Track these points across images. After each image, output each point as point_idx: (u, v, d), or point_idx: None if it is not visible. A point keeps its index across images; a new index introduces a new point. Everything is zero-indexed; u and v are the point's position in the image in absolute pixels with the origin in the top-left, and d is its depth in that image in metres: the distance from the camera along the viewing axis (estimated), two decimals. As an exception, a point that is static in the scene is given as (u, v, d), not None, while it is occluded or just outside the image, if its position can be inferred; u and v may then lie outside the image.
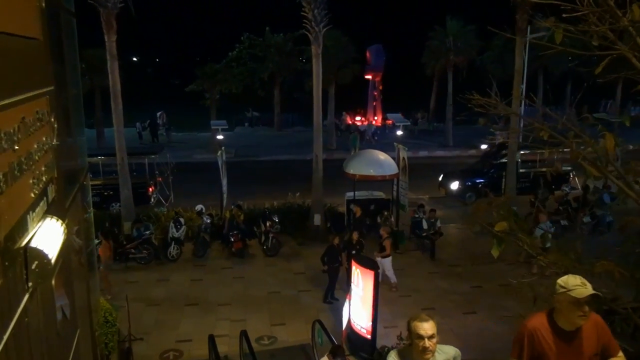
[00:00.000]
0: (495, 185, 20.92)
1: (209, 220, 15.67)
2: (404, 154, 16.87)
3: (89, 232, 8.00)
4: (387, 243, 13.02)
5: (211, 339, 9.02)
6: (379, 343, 10.02)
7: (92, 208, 8.80)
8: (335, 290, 12.69)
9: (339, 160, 19.64)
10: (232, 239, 15.14)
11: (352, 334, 10.39)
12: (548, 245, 6.45)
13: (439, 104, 41.15)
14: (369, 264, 9.94)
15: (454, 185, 21.32)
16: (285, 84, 42.28)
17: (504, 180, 20.61)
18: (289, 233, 16.86)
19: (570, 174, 21.79)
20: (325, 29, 15.89)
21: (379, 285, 9.69)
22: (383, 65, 37.89)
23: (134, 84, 55.16)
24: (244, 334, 8.97)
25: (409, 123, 21.53)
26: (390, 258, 13.06)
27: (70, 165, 6.14)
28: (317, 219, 16.72)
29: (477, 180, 21.60)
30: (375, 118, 38.90)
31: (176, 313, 12.03)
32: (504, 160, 21.61)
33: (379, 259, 12.43)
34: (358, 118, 39.83)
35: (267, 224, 15.56)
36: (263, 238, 15.68)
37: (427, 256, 15.43)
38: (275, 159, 31.11)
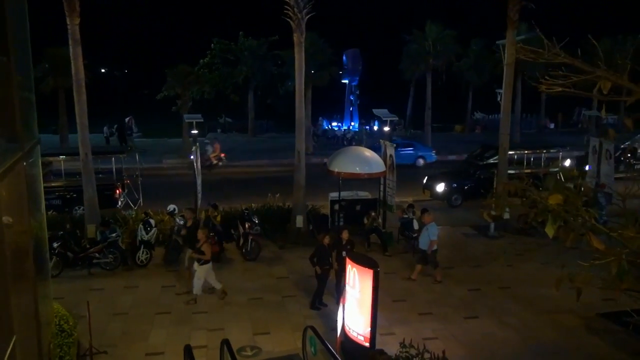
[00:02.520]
0: (481, 187, 20.18)
1: (182, 222, 14.32)
2: (390, 150, 15.91)
3: (40, 236, 6.78)
4: None
5: (188, 351, 7.76)
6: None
7: (44, 208, 7.54)
8: (324, 294, 11.54)
9: (316, 165, 18.69)
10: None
11: (346, 342, 9.23)
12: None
13: (416, 110, 40.66)
14: (367, 261, 8.83)
15: (440, 188, 20.45)
16: (259, 89, 41.15)
17: (490, 181, 19.93)
18: (269, 236, 15.67)
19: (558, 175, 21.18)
20: (308, 16, 14.87)
21: (378, 286, 8.57)
22: (360, 69, 37.22)
23: (103, 92, 53.46)
24: (225, 344, 7.73)
25: (396, 118, 20.55)
26: None
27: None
28: (300, 221, 15.57)
29: (463, 183, 20.78)
30: (352, 123, 38.10)
31: (146, 323, 10.68)
32: (490, 161, 20.96)
33: None
34: (335, 123, 39.01)
35: (246, 226, 14.33)
36: (241, 241, 14.44)
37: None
38: (251, 164, 29.96)
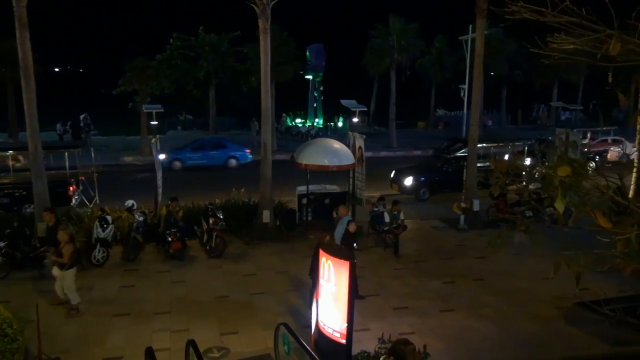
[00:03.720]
0: (449, 180, 20.02)
1: (141, 219, 13.52)
2: (360, 142, 15.46)
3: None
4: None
5: (149, 353, 7.04)
6: (355, 348, 8.37)
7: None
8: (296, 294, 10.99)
9: (280, 162, 18.12)
10: (170, 239, 13.06)
11: (321, 340, 8.68)
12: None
13: (379, 106, 40.50)
14: (342, 253, 8.31)
15: (408, 182, 20.15)
16: (221, 86, 40.17)
17: (457, 174, 19.76)
18: (235, 232, 14.96)
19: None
20: (273, 1, 14.25)
21: (356, 279, 8.06)
22: (324, 65, 36.76)
23: (56, 91, 51.36)
24: (191, 344, 7.06)
25: (365, 108, 20.14)
26: None
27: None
28: (267, 216, 14.93)
29: (431, 176, 20.54)
30: (316, 120, 37.61)
31: (102, 325, 9.87)
32: (457, 154, 20.80)
33: None
34: (299, 120, 38.43)
35: (210, 221, 13.61)
36: (205, 237, 13.71)
37: (389, 252, 13.99)
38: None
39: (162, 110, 15.06)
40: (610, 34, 3.96)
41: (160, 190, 15.06)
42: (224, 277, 12.33)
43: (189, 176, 23.94)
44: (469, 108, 33.75)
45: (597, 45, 4.28)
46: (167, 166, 20.84)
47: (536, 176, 4.86)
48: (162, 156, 18.50)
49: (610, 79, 4.35)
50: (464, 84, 32.71)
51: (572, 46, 4.01)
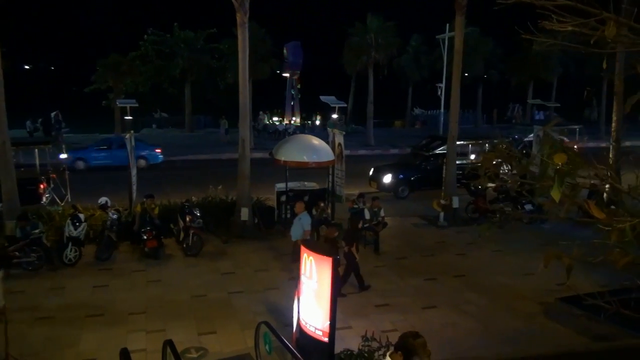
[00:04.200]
0: (428, 177, 20.00)
1: (115, 216, 13.11)
2: (339, 139, 15.29)
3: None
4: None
5: (124, 355, 6.73)
6: (337, 347, 8.17)
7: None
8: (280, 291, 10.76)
9: (256, 159, 17.81)
10: (145, 237, 12.70)
11: (302, 338, 8.46)
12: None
13: (357, 105, 40.42)
14: (325, 249, 8.11)
15: (387, 179, 20.05)
16: (197, 83, 39.59)
17: (436, 172, 19.77)
18: (212, 231, 14.66)
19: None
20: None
21: (338, 276, 7.86)
22: (301, 63, 36.52)
23: (27, 88, 50.03)
24: (168, 345, 6.77)
25: (345, 105, 19.99)
26: None
27: None
28: (245, 214, 14.65)
29: (410, 174, 20.49)
30: (294, 118, 37.36)
31: (74, 327, 9.49)
32: (436, 152, 20.79)
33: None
34: (276, 118, 38.12)
35: (187, 219, 13.26)
36: (182, 235, 13.37)
37: (370, 250, 13.85)
38: (189, 159, 28.61)
39: (136, 105, 14.64)
40: (606, 18, 3.84)
41: (134, 188, 14.66)
42: (201, 276, 12.02)
43: (92, 177, 22.51)
44: (446, 107, 33.93)
45: (588, 33, 4.15)
46: (69, 165, 19.79)
47: (533, 163, 4.69)
48: (63, 155, 18.00)
49: (604, 66, 4.25)
50: (442, 82, 32.84)
51: (569, 28, 3.86)
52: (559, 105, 33.28)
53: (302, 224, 11.84)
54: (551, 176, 4.17)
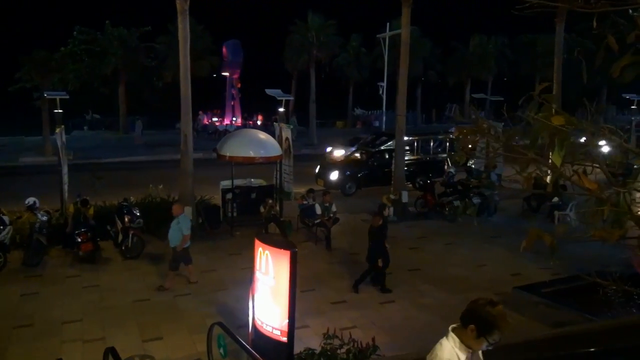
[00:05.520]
0: (375, 174, 19.83)
1: (45, 218, 12.00)
2: (287, 133, 14.78)
3: None
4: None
5: (58, 366, 5.95)
6: (296, 347, 7.63)
7: None
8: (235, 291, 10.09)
9: (196, 160, 16.96)
10: (79, 239, 11.68)
11: (259, 339, 7.85)
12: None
13: (298, 104, 40.00)
14: (281, 243, 7.57)
15: (333, 176, 19.71)
16: (131, 83, 37.91)
17: (383, 168, 19.65)
18: (153, 232, 13.72)
19: (446, 161, 21.49)
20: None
21: (296, 270, 7.32)
22: (241, 62, 35.72)
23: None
24: (111, 352, 6.02)
25: (292, 98, 19.48)
26: None
27: None
28: (188, 213, 13.76)
29: (357, 170, 20.23)
30: (234, 118, 36.46)
31: (0, 340, 8.47)
32: (382, 147, 20.67)
33: None
34: (216, 118, 37.08)
35: (126, 220, 12.34)
36: (120, 237, 12.42)
37: (321, 246, 13.40)
38: (124, 161, 27.20)
39: (67, 97, 13.57)
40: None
41: (66, 187, 13.54)
42: (143, 279, 11.17)
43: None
44: (388, 107, 34.10)
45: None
46: None
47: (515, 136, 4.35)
48: None
49: (594, 25, 3.97)
50: (383, 81, 32.89)
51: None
52: (502, 99, 34.16)
53: (180, 227, 10.67)
54: (541, 142, 3.85)
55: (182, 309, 9.82)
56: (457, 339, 3.51)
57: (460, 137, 4.83)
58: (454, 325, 3.62)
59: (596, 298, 10.57)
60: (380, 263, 10.75)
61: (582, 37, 37.23)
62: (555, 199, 16.04)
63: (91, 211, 12.38)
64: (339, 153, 22.40)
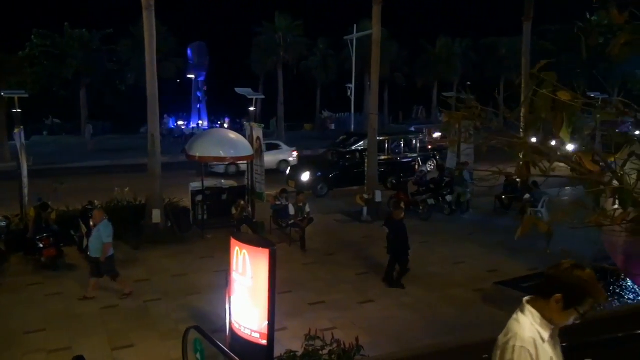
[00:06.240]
0: (347, 174, 19.66)
1: (3, 224, 11.38)
2: (258, 132, 14.43)
3: None
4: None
5: (21, 379, 5.48)
6: (276, 350, 7.31)
7: None
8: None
9: (162, 165, 16.44)
10: (42, 245, 11.07)
11: (236, 343, 7.50)
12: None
13: (265, 107, 39.62)
14: (259, 241, 7.25)
15: (305, 177, 19.43)
16: (93, 86, 36.88)
17: (354, 168, 19.52)
18: (120, 236, 13.11)
19: (417, 160, 21.50)
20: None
21: (276, 269, 7.00)
22: (207, 64, 35.14)
23: None
24: (79, 362, 5.58)
25: (263, 97, 19.16)
26: None
27: None
28: (157, 216, 13.35)
29: (328, 171, 20.01)
30: (200, 121, 35.82)
31: (-45, 355, 7.88)
32: (354, 148, 20.53)
33: None
34: (181, 122, 36.36)
35: (91, 223, 11.74)
36: (85, 242, 11.80)
37: (296, 247, 13.09)
38: (88, 166, 26.34)
39: (26, 95, 12.91)
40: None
41: (26, 191, 12.88)
42: (111, 285, 10.58)
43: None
44: (356, 108, 34.03)
45: None
46: None
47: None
48: None
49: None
50: (351, 83, 32.81)
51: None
52: (473, 97, 34.40)
53: (100, 235, 9.83)
54: (539, 119, 3.66)
55: (154, 314, 9.37)
56: (536, 313, 2.86)
57: (451, 120, 4.63)
58: (528, 298, 2.97)
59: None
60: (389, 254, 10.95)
61: (542, 39, 37.99)
62: (527, 196, 16.15)
63: (53, 215, 11.79)
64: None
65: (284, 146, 26.03)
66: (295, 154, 25.44)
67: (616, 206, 3.82)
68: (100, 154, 29.89)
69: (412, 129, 27.34)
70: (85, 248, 11.76)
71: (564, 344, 3.18)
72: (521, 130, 3.97)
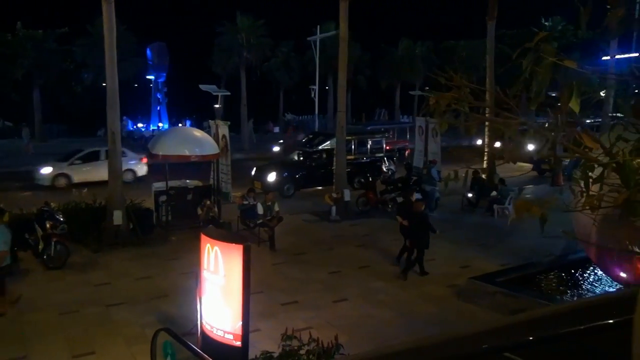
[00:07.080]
0: (313, 174, 19.39)
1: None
2: (224, 130, 14.03)
3: None
4: None
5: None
6: (251, 352, 6.95)
7: None
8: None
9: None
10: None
11: (208, 346, 7.11)
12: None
13: (227, 109, 39.01)
14: (232, 237, 6.89)
15: (271, 178, 19.05)
16: (47, 87, 35.47)
17: (321, 168, 19.28)
18: (79, 239, 12.53)
19: (383, 160, 21.41)
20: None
21: (250, 266, 6.65)
22: (167, 65, 34.31)
23: None
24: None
25: (229, 93, 18.66)
26: None
27: None
28: (118, 217, 12.74)
29: (295, 171, 19.69)
30: (160, 123, 34.92)
31: None
32: (320, 147, 20.29)
33: None
34: (141, 124, 35.38)
35: (47, 226, 11.13)
36: (41, 245, 11.16)
37: (265, 247, 12.72)
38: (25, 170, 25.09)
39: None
40: None
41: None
42: (69, 290, 10.04)
43: None
44: (320, 111, 33.88)
45: None
46: None
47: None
48: None
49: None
50: (315, 85, 32.66)
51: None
52: (431, 94, 34.84)
53: None
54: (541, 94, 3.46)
55: (117, 319, 8.85)
56: None
57: (440, 100, 4.40)
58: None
59: (548, 285, 10.63)
60: (409, 244, 11.21)
61: (500, 42, 38.76)
62: (494, 193, 16.25)
63: (6, 218, 10.99)
64: None
65: (129, 153, 20.72)
66: (144, 162, 20.83)
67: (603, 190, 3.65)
68: (39, 157, 28.60)
69: (368, 128, 27.31)
70: (42, 252, 11.16)
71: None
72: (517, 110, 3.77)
